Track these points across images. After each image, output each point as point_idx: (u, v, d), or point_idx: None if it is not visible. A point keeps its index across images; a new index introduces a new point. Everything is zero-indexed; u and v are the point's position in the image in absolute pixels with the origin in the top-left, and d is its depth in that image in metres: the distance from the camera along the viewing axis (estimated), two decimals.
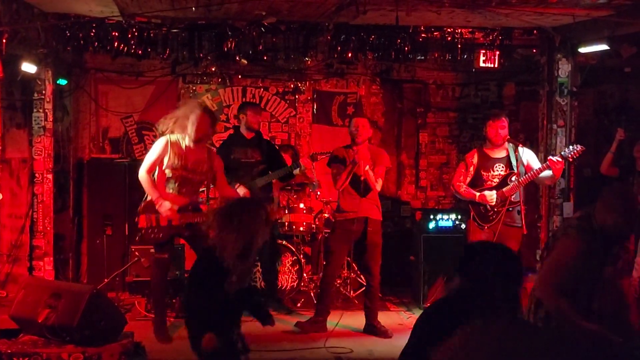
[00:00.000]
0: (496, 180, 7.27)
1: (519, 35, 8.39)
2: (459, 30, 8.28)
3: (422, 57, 8.81)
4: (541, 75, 8.51)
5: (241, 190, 7.62)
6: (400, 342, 6.69)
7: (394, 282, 8.92)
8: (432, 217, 8.55)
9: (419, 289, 8.43)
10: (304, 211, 8.45)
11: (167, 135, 6.58)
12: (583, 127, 9.36)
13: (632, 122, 9.27)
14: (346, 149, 7.59)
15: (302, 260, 8.35)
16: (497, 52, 8.36)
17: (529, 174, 7.09)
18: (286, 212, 8.45)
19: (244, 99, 9.69)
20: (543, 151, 8.40)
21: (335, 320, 7.19)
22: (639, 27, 6.78)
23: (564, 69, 8.22)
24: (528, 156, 7.32)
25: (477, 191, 7.22)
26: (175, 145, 6.55)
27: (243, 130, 8.12)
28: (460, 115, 10.16)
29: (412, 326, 3.57)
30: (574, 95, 8.28)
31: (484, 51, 8.37)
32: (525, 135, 9.59)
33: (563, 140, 8.26)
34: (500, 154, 7.28)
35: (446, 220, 8.52)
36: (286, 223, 8.40)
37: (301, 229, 8.37)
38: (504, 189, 7.17)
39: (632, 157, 8.00)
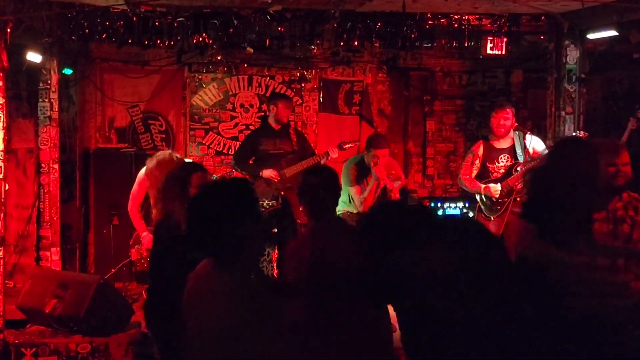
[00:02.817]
0: (502, 171, 7.30)
1: (526, 22, 8.32)
2: (466, 17, 8.21)
3: (429, 45, 8.74)
4: (549, 62, 8.44)
5: (267, 172, 7.65)
6: None
7: None
8: (439, 205, 8.52)
9: None
10: None
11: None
12: (591, 114, 9.30)
13: (639, 107, 9.19)
14: (357, 164, 7.55)
15: None
16: (505, 39, 8.28)
17: (532, 162, 7.07)
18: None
19: (249, 88, 9.67)
20: (551, 139, 8.34)
21: None
22: None
23: (572, 55, 8.15)
24: (535, 144, 7.30)
25: (483, 183, 7.23)
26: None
27: (271, 121, 8.06)
28: (468, 103, 10.12)
29: None
30: (582, 82, 8.21)
31: (491, 38, 8.30)
32: (533, 122, 9.54)
33: (571, 127, 8.21)
34: (505, 144, 7.27)
35: (453, 208, 8.51)
36: None
37: None
38: (509, 179, 7.17)
39: None
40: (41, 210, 8.33)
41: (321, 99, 9.89)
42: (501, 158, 7.30)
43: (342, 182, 7.55)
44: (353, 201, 7.38)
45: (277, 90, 9.55)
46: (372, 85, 9.97)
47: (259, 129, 8.33)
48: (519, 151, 7.23)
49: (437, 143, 10.10)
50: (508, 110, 7.21)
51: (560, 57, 8.23)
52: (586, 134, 7.06)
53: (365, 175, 7.39)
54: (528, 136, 7.20)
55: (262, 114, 9.52)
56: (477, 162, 7.33)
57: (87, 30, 7.92)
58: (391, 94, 10.09)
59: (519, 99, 10.09)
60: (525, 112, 10.00)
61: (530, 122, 9.56)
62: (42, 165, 8.28)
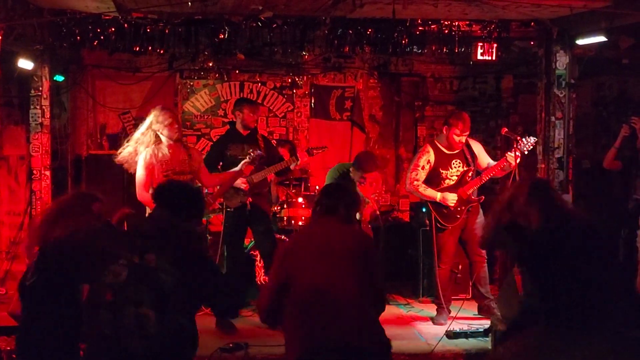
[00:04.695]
0: (454, 177, 7.21)
1: (516, 28, 8.36)
2: (457, 23, 8.25)
3: (420, 51, 8.76)
4: (539, 67, 8.49)
5: (237, 181, 7.65)
6: (397, 334, 6.71)
7: (392, 275, 8.92)
8: None
9: (418, 282, 8.46)
10: (303, 205, 8.43)
11: (143, 152, 6.45)
12: (581, 119, 9.34)
13: (631, 114, 9.24)
14: (343, 178, 7.64)
15: None
16: (495, 45, 8.32)
17: (488, 170, 7.11)
18: (285, 206, 8.44)
19: (241, 94, 9.69)
20: (541, 144, 8.39)
21: None
22: (637, 18, 6.76)
23: (562, 61, 8.20)
24: (477, 149, 7.33)
25: (437, 190, 7.14)
26: (154, 156, 6.43)
27: (239, 127, 8.08)
28: (459, 109, 10.12)
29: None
30: (571, 87, 8.26)
31: (481, 44, 8.33)
32: (524, 127, 9.58)
33: (561, 132, 8.25)
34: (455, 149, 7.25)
35: None
36: (285, 218, 8.39)
37: (300, 223, 8.35)
38: (464, 187, 7.14)
39: (635, 149, 7.96)
40: (33, 216, 8.33)
41: (312, 104, 9.92)
42: (454, 164, 7.21)
43: None
44: None
45: (267, 97, 9.59)
46: (364, 91, 10.01)
47: (226, 135, 8.27)
48: (467, 156, 7.21)
49: None
50: (467, 126, 7.10)
51: (549, 63, 8.28)
52: (536, 139, 7.10)
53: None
54: (470, 140, 7.22)
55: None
56: (428, 167, 7.17)
57: (78, 37, 7.94)
58: (382, 99, 10.12)
59: (510, 104, 10.14)
60: (516, 117, 10.05)
61: (521, 128, 9.60)
62: (34, 171, 8.29)
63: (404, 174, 10.10)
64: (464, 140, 7.14)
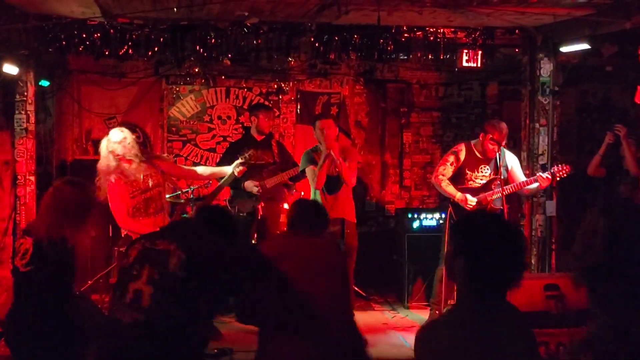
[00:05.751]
0: (479, 181, 7.21)
1: (501, 35, 8.41)
2: (442, 29, 8.29)
3: (405, 57, 8.82)
4: (523, 74, 8.54)
5: (250, 185, 7.66)
6: (382, 341, 6.72)
7: (378, 282, 8.95)
8: (416, 216, 8.58)
9: (403, 288, 8.47)
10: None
11: (111, 177, 6.22)
12: (565, 126, 9.40)
13: (615, 121, 9.32)
14: (314, 151, 7.61)
15: None
16: (480, 52, 8.37)
17: (515, 185, 7.10)
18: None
19: (227, 100, 9.70)
20: (526, 150, 8.45)
21: None
22: (620, 26, 6.80)
23: (546, 68, 8.25)
24: (512, 162, 7.30)
25: (458, 189, 7.15)
26: (121, 179, 6.23)
27: (253, 132, 8.13)
28: (444, 115, 10.20)
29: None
30: (555, 94, 8.31)
31: (466, 51, 8.38)
32: (509, 134, 9.61)
33: (545, 139, 8.30)
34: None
35: (430, 219, 8.56)
36: None
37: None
38: (486, 194, 7.13)
39: (619, 156, 8.02)
40: (17, 222, 8.30)
41: (298, 110, 9.93)
42: (482, 168, 7.23)
43: (300, 167, 7.67)
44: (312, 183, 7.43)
45: (254, 102, 9.57)
46: (349, 97, 10.03)
47: (242, 139, 8.39)
48: (499, 165, 7.18)
49: (413, 154, 10.16)
50: (504, 135, 7.12)
51: (534, 70, 8.33)
52: (570, 167, 7.14)
53: (318, 156, 7.47)
54: (503, 150, 7.19)
55: (240, 125, 9.57)
56: (456, 164, 7.20)
57: (64, 43, 7.93)
58: (368, 105, 10.15)
59: (495, 111, 10.18)
60: None
61: None
62: (19, 177, 8.26)
63: (390, 179, 10.16)
64: (497, 149, 7.12)
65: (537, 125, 8.34)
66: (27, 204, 8.26)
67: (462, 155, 7.22)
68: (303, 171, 7.75)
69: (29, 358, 4.43)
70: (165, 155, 8.67)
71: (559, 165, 7.13)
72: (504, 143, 7.14)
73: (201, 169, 7.24)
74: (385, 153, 10.20)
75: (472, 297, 2.74)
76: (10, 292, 6.21)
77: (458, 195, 7.09)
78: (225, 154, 8.28)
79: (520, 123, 8.67)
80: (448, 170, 7.21)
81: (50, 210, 4.50)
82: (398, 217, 9.25)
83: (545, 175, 7.02)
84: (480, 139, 7.20)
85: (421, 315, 7.67)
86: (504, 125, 7.19)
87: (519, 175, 7.31)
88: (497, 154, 7.14)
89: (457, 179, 7.23)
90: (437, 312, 7.22)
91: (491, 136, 7.06)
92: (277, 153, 8.14)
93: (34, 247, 4.44)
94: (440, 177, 7.20)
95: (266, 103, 9.71)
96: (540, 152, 8.26)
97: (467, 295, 2.77)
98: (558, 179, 7.15)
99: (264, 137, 8.07)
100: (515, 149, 8.25)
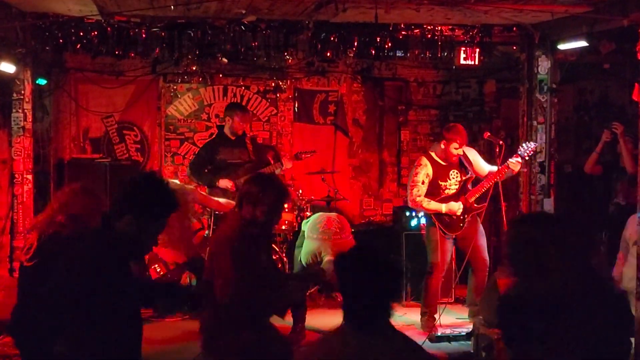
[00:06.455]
0: (454, 187, 7.24)
1: (498, 32, 8.41)
2: (439, 27, 8.29)
3: (403, 55, 8.82)
4: (521, 72, 8.53)
5: (224, 182, 7.68)
6: None
7: None
8: (413, 214, 8.57)
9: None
10: (286, 210, 8.41)
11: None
12: (563, 124, 9.41)
13: (613, 119, 9.33)
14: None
15: (285, 259, 8.28)
16: (477, 49, 8.36)
17: (490, 177, 7.15)
18: None
19: (225, 98, 9.68)
20: None
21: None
22: (617, 23, 6.80)
23: (544, 65, 8.25)
24: (472, 155, 7.37)
25: (439, 201, 7.14)
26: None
27: (227, 131, 8.11)
28: (442, 113, 10.19)
29: None
30: (553, 92, 8.31)
31: (464, 48, 8.37)
32: (506, 132, 9.63)
33: (543, 137, 8.30)
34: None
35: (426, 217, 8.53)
36: None
37: (283, 227, 8.33)
38: (466, 196, 7.18)
39: (616, 154, 8.03)
40: (15, 221, 8.28)
41: (296, 109, 9.92)
42: (452, 174, 7.23)
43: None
44: None
45: (250, 101, 9.56)
46: (347, 95, 10.02)
47: (216, 138, 8.38)
48: (465, 164, 7.25)
49: (411, 152, 10.14)
50: (465, 138, 7.16)
51: (531, 67, 8.32)
52: (537, 144, 7.22)
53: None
54: (464, 147, 7.23)
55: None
56: (428, 180, 7.16)
57: (61, 41, 7.92)
58: (366, 103, 10.14)
59: (492, 108, 10.18)
60: (499, 121, 10.09)
61: (503, 132, 9.64)
62: (16, 175, 8.24)
63: (387, 177, 10.16)
64: (462, 153, 7.17)
65: (534, 122, 8.33)
66: (24, 202, 8.25)
67: (430, 170, 7.18)
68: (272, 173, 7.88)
69: (38, 355, 4.41)
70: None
71: (525, 145, 7.23)
72: (465, 145, 7.20)
73: (224, 201, 7.49)
74: (383, 151, 10.19)
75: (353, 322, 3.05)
76: (7, 290, 6.22)
77: (444, 208, 7.12)
78: (199, 154, 8.29)
79: (518, 121, 8.66)
80: (422, 189, 7.15)
81: None
82: (396, 215, 9.23)
83: (515, 160, 7.07)
84: (443, 146, 7.18)
85: (418, 314, 7.62)
86: (461, 127, 7.25)
87: (483, 166, 7.38)
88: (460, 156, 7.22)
89: (432, 191, 7.19)
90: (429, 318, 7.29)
91: (454, 142, 7.09)
92: (252, 151, 8.12)
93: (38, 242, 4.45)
94: (418, 199, 7.14)
95: (263, 102, 9.71)
96: (538, 150, 8.26)
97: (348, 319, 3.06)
98: (527, 158, 7.29)
99: (236, 137, 8.07)
100: (513, 146, 8.24)
